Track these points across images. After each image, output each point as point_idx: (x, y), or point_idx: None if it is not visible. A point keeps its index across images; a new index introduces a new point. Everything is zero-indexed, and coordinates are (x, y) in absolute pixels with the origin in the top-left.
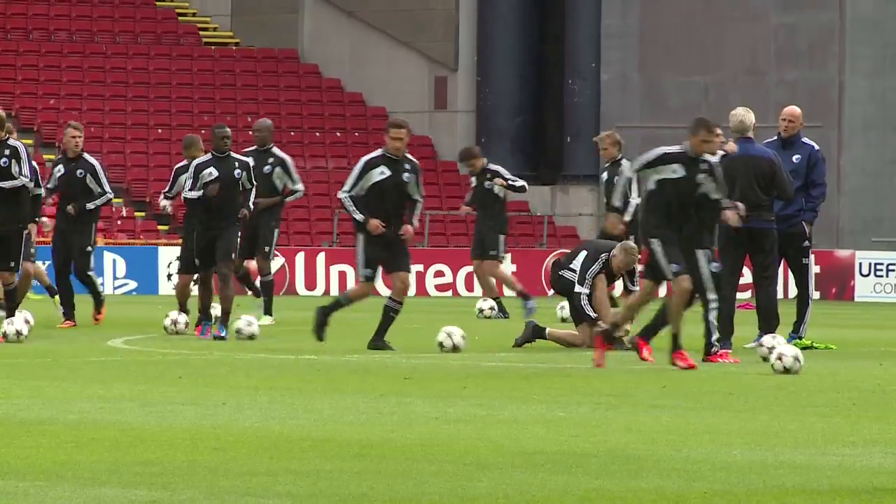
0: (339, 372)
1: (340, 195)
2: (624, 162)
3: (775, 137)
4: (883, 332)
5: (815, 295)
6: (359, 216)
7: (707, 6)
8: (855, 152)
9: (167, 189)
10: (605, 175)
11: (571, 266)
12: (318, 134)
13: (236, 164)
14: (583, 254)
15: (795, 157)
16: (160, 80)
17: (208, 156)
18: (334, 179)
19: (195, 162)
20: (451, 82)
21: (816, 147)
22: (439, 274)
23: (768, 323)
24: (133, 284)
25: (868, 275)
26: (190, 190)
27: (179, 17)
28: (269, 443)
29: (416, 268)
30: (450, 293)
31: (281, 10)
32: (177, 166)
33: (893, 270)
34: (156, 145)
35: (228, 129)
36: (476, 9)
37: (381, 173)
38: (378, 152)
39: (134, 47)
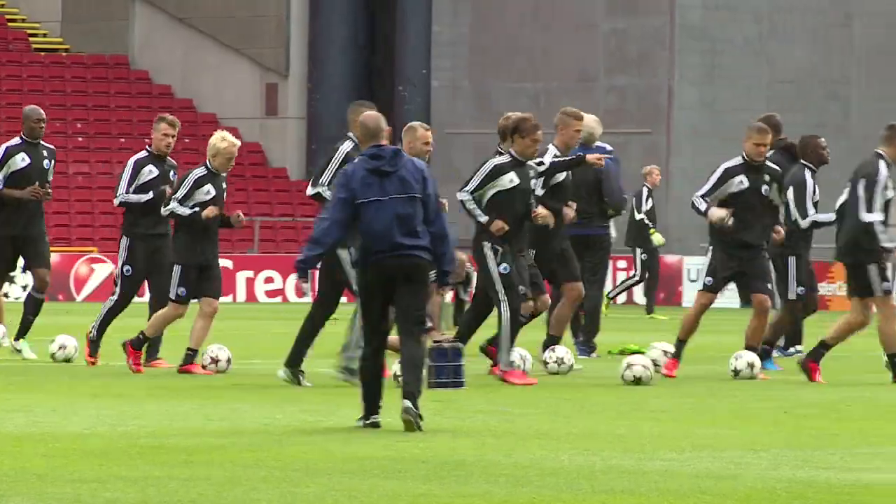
0: (171, 379)
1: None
2: None
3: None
4: (718, 337)
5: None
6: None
7: (536, 14)
8: (684, 159)
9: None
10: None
11: None
12: (147, 141)
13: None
14: None
15: None
16: None
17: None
18: None
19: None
20: (281, 89)
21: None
22: (269, 280)
23: (594, 327)
24: None
25: (696, 280)
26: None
27: (9, 23)
28: (97, 449)
29: (246, 273)
30: (279, 299)
31: (111, 17)
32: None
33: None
34: None
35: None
36: (307, 16)
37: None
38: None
39: None
